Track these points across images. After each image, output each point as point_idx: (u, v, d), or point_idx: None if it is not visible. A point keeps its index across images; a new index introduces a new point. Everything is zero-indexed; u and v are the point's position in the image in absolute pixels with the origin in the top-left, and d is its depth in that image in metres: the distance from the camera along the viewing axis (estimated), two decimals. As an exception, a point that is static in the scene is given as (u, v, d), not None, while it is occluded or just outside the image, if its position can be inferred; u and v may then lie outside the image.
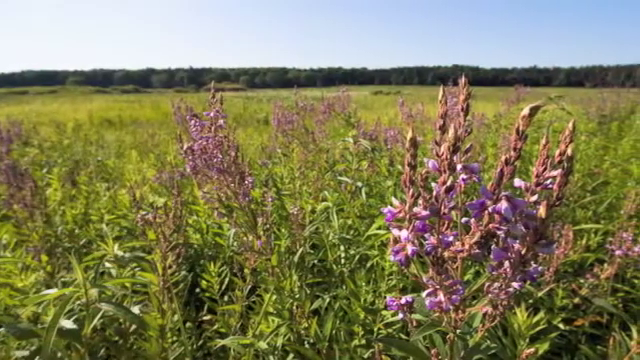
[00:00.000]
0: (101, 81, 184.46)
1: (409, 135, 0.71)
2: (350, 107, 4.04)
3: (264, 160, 4.57)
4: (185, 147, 1.62)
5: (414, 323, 1.01)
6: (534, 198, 0.70)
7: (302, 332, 1.98)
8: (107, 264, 2.24)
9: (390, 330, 2.00)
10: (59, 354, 1.67)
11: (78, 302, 1.63)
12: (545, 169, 0.69)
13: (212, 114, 1.50)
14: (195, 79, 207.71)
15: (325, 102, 4.05)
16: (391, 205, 0.74)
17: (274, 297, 1.88)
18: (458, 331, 0.87)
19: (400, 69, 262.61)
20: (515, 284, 0.72)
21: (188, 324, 2.46)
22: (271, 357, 1.82)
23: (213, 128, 1.53)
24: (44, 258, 2.64)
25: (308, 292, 2.15)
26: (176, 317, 1.94)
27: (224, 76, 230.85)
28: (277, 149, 4.15)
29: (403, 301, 0.97)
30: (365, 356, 1.92)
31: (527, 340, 1.89)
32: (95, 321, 1.65)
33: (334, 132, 4.22)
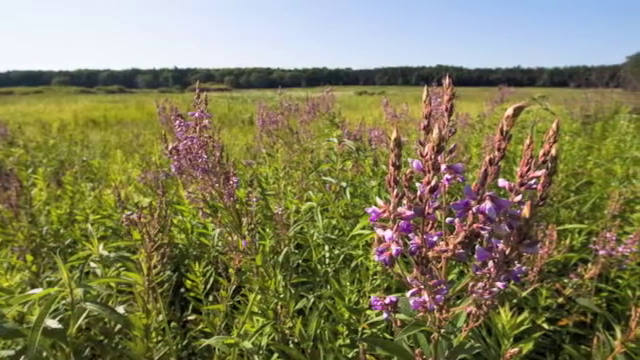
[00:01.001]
0: (86, 81, 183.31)
1: (393, 135, 0.71)
2: (334, 107, 4.04)
3: (249, 160, 4.56)
4: (170, 147, 1.62)
5: (398, 323, 1.01)
6: (518, 198, 0.70)
7: (287, 332, 1.98)
8: (92, 264, 2.23)
9: (374, 330, 2.00)
10: (44, 353, 1.67)
11: (63, 302, 1.62)
12: (529, 169, 0.69)
13: (197, 114, 1.50)
14: (180, 79, 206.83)
15: (310, 102, 4.04)
16: (375, 205, 0.74)
17: (259, 297, 1.87)
18: (442, 331, 0.87)
19: (384, 69, 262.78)
20: (499, 284, 0.72)
21: (173, 324, 2.45)
22: (255, 357, 1.82)
23: (198, 128, 1.53)
24: (29, 258, 2.63)
25: (293, 292, 2.15)
26: (161, 317, 1.94)
27: (209, 76, 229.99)
28: (262, 149, 4.14)
29: (387, 301, 0.97)
30: (349, 356, 1.92)
31: (511, 340, 1.90)
32: (80, 321, 1.65)
33: (318, 132, 4.22)
